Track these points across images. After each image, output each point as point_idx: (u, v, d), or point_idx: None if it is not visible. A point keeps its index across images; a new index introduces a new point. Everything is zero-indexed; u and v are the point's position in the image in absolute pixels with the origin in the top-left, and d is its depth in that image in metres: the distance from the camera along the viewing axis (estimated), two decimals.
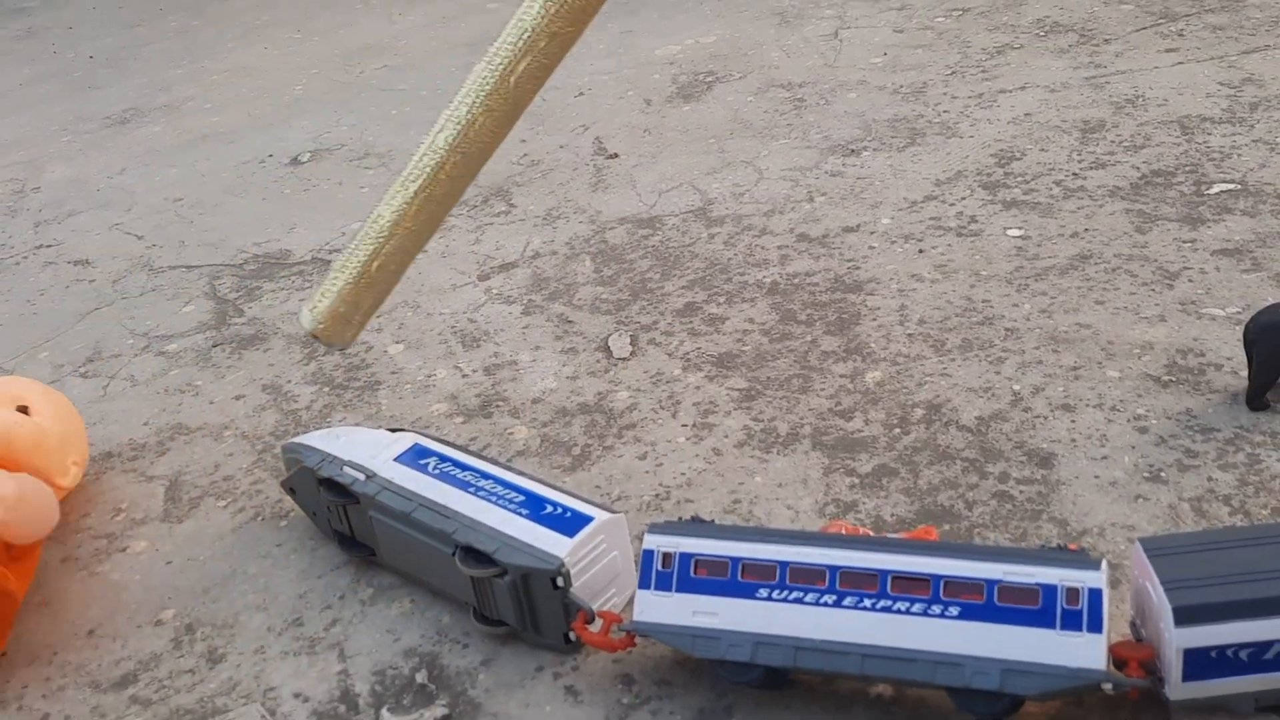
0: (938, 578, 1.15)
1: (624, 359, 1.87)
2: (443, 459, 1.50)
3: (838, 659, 1.15)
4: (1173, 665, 1.09)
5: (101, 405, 1.99)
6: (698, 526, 1.27)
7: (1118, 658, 1.13)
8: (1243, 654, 1.09)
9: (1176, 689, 1.10)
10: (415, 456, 1.51)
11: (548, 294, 2.10)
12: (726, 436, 1.65)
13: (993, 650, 1.11)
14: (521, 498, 1.40)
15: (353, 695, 1.34)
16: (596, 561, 1.34)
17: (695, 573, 1.24)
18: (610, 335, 1.94)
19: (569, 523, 1.34)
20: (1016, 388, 1.64)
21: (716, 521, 1.35)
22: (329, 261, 2.35)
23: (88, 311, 2.32)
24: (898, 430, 1.59)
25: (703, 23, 3.30)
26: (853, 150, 2.41)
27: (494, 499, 1.40)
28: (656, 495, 1.56)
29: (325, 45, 3.70)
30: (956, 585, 1.14)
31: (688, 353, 1.86)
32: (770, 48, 3.03)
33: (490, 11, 3.75)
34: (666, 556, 1.25)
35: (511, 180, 2.57)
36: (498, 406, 1.81)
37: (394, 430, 1.58)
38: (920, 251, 2.01)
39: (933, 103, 2.55)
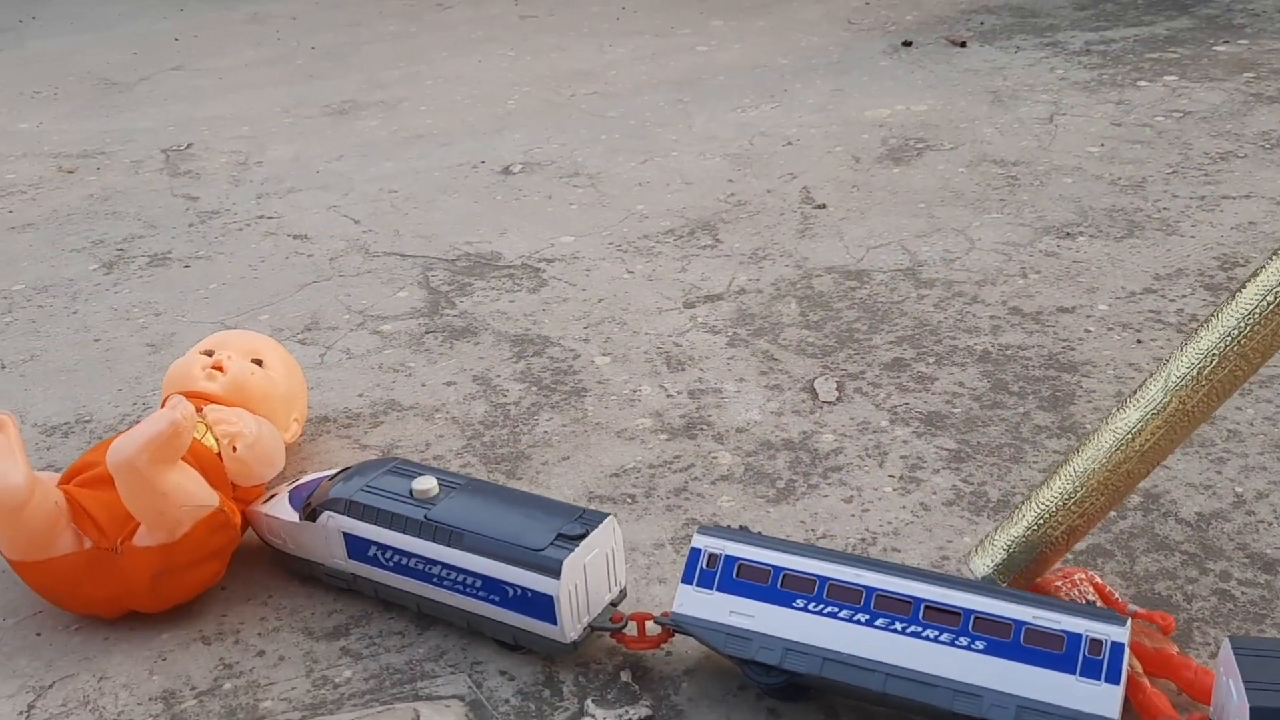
0: (969, 612, 1.19)
1: (830, 403, 1.89)
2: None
3: (862, 674, 1.20)
4: None
5: (318, 372, 2.07)
6: (746, 535, 1.33)
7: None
8: None
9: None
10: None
11: (753, 330, 2.13)
12: (935, 493, 1.65)
13: (1012, 687, 1.14)
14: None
15: (557, 682, 1.37)
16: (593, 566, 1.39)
17: (738, 575, 1.29)
18: (816, 378, 1.96)
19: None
20: (1239, 490, 1.61)
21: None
22: (539, 269, 2.41)
23: (306, 283, 2.42)
24: (1114, 513, 1.58)
25: (914, 91, 3.32)
26: (1068, 233, 2.40)
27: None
28: (862, 539, 1.57)
29: (537, 66, 3.81)
30: (986, 621, 1.18)
31: (895, 406, 1.87)
32: (983, 124, 3.04)
33: (699, 54, 3.82)
34: (712, 557, 1.31)
35: (718, 217, 2.62)
36: (702, 430, 1.84)
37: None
38: (1139, 342, 1.99)
39: (1152, 198, 2.53)
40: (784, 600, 1.26)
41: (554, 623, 1.35)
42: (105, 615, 1.50)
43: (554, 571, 1.33)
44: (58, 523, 1.43)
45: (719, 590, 1.30)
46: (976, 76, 3.43)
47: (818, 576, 1.25)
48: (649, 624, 1.37)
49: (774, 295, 2.25)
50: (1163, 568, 1.47)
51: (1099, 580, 1.40)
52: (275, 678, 1.40)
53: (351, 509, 1.46)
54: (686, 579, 1.32)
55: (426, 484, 1.45)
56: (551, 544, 1.35)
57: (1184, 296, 2.12)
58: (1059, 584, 1.39)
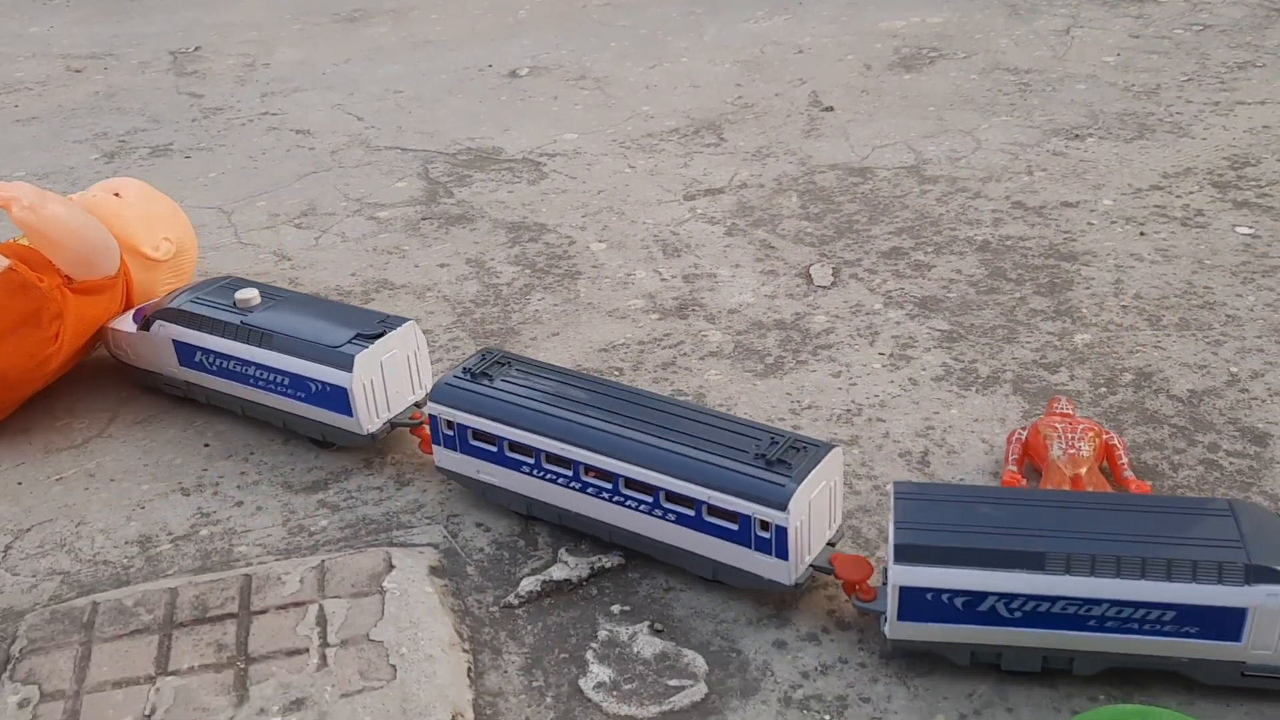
0: (657, 489, 1.24)
1: (825, 287, 1.87)
2: None
3: (592, 525, 1.31)
4: (890, 602, 1.11)
5: (312, 253, 2.06)
6: (478, 398, 1.35)
7: (845, 580, 1.20)
8: (958, 601, 1.09)
9: (894, 627, 1.12)
10: None
11: (751, 221, 2.10)
12: (924, 370, 1.63)
13: (708, 550, 1.24)
14: None
15: (532, 533, 1.36)
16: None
17: (473, 440, 1.36)
18: (812, 264, 1.94)
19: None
20: (1234, 370, 1.58)
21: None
22: (540, 163, 2.39)
23: (305, 174, 2.40)
24: (1104, 389, 1.56)
25: (930, 4, 3.27)
26: (1077, 135, 2.36)
27: None
28: (847, 410, 1.55)
29: None
30: (674, 496, 1.24)
31: (890, 291, 1.84)
32: (998, 35, 2.99)
33: None
34: (449, 423, 1.37)
35: (724, 117, 2.58)
36: (694, 311, 1.83)
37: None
38: (1141, 234, 1.96)
39: (1165, 104, 2.48)
40: (513, 465, 1.34)
41: (350, 415, 1.44)
42: None
43: (347, 365, 1.43)
44: None
45: (462, 453, 1.38)
46: None
47: (536, 449, 1.31)
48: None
49: (775, 190, 2.22)
50: (1150, 439, 1.45)
51: (1113, 441, 1.38)
52: (252, 525, 1.40)
53: (179, 317, 1.57)
54: (435, 441, 1.39)
55: (248, 294, 1.56)
56: (348, 341, 1.45)
57: (1191, 194, 2.08)
58: (1057, 424, 1.38)
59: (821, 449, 1.23)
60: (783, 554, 1.19)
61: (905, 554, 1.10)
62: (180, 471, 1.50)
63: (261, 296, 1.57)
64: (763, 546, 1.20)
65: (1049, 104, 2.53)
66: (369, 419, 1.47)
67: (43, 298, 1.55)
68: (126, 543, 1.38)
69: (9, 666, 1.17)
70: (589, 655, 1.19)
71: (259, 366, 1.51)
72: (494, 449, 1.35)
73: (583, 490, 1.30)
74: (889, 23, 3.15)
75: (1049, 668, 1.12)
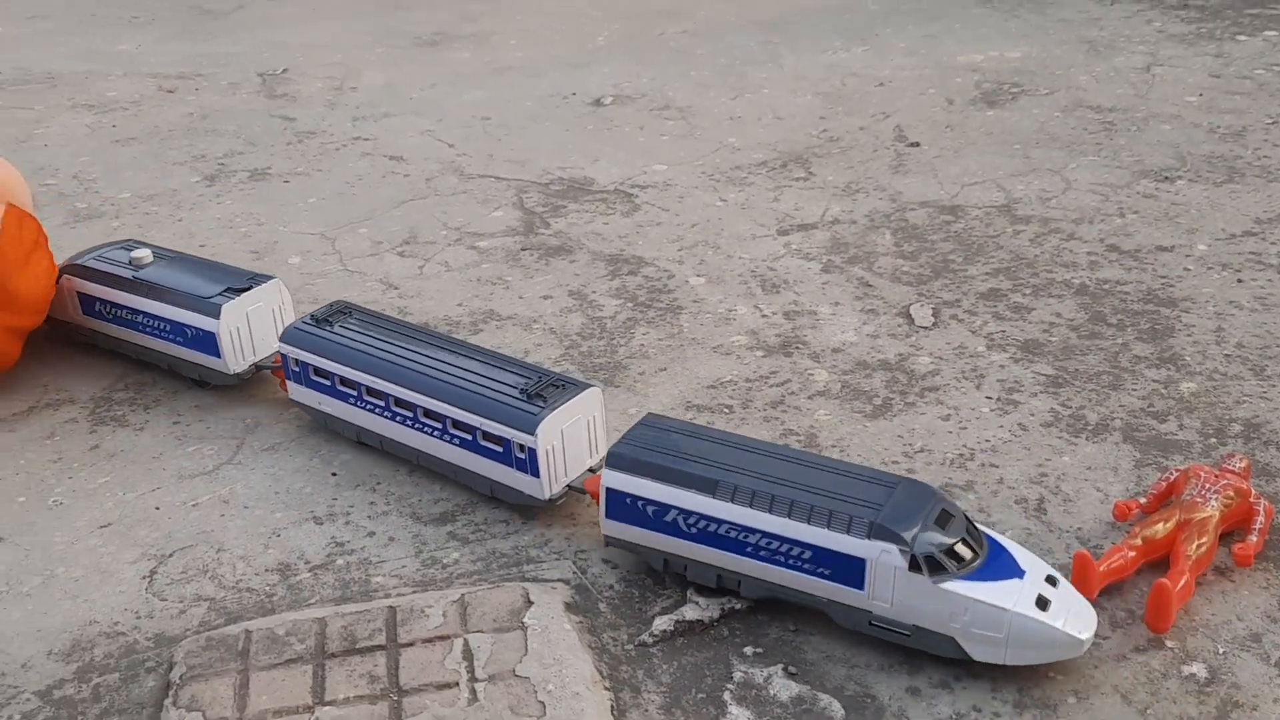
0: (445, 417, 1.49)
1: (926, 328, 1.90)
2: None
3: (402, 449, 1.56)
4: (601, 502, 1.35)
5: (417, 282, 2.11)
6: (319, 341, 1.61)
7: (593, 494, 1.42)
8: (648, 509, 1.32)
9: (604, 524, 1.36)
10: None
11: (847, 258, 2.14)
12: (1033, 415, 1.66)
13: (484, 470, 1.48)
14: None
15: (659, 572, 1.40)
16: None
17: (313, 376, 1.62)
18: (912, 304, 1.97)
19: None
20: None
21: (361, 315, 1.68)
22: (632, 194, 2.43)
23: (403, 200, 2.45)
24: (1214, 439, 1.58)
25: (1007, 38, 3.29)
26: (1167, 177, 2.38)
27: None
28: (960, 455, 1.58)
29: (627, 4, 3.81)
30: (458, 424, 1.48)
31: (992, 333, 1.87)
32: (1079, 71, 3.01)
33: None
34: (296, 360, 1.63)
35: (810, 151, 2.62)
36: (798, 348, 1.86)
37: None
38: (1239, 281, 1.98)
39: (1252, 146, 2.50)
40: (344, 398, 1.60)
41: (219, 357, 1.72)
42: None
43: (216, 314, 1.71)
44: None
45: (306, 387, 1.64)
46: (1071, 26, 3.39)
47: (358, 383, 1.57)
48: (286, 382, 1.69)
49: (868, 226, 2.25)
50: (1264, 492, 1.47)
51: (1258, 508, 1.38)
52: (386, 556, 1.44)
53: (80, 271, 1.83)
54: (289, 378, 1.66)
55: (142, 254, 1.83)
56: (218, 294, 1.73)
57: None
58: (1204, 473, 1.40)
59: (578, 387, 1.47)
60: (535, 472, 1.44)
61: (613, 461, 1.34)
62: (311, 500, 1.55)
63: (154, 255, 1.85)
64: (521, 466, 1.45)
65: (1135, 144, 2.55)
66: (235, 361, 1.75)
67: (39, 227, 1.74)
68: (267, 570, 1.42)
69: (171, 692, 1.21)
70: (726, 696, 1.22)
71: (147, 315, 1.78)
72: (329, 384, 1.62)
73: (393, 419, 1.56)
74: (967, 56, 3.18)
75: (723, 586, 1.33)
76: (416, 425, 1.53)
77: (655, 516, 1.32)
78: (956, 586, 1.20)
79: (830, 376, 1.78)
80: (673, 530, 1.31)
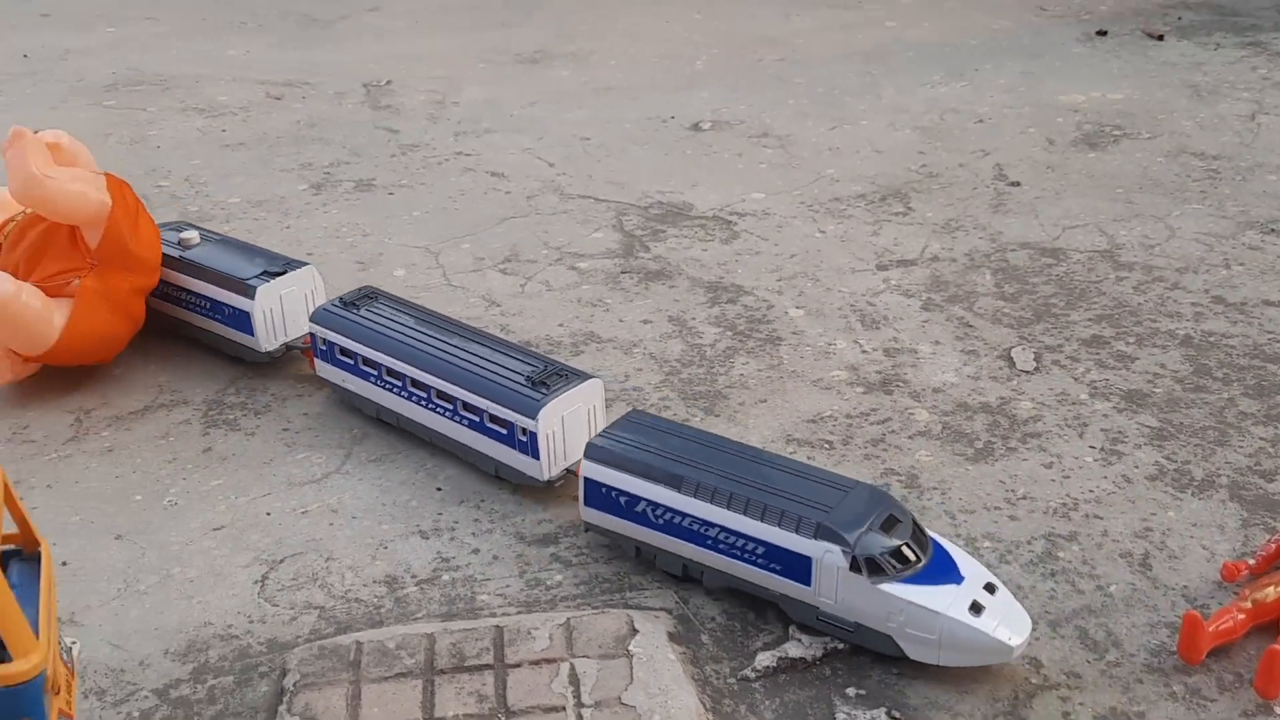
0: (455, 399, 1.59)
1: (1027, 372, 1.89)
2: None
3: (419, 429, 1.67)
4: (580, 490, 1.45)
5: (519, 300, 2.14)
6: (345, 323, 1.73)
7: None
8: (620, 499, 1.41)
9: (583, 511, 1.46)
10: None
11: (947, 296, 2.14)
12: (1137, 467, 1.65)
13: (490, 450, 1.59)
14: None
15: (762, 606, 1.41)
16: None
17: (339, 355, 1.73)
18: (1013, 347, 1.96)
19: None
20: None
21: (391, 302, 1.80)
22: (731, 222, 2.45)
23: (505, 218, 2.49)
24: None
25: (1109, 79, 3.26)
26: (1273, 229, 2.35)
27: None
28: (1063, 504, 1.58)
29: (724, 29, 3.83)
30: (467, 406, 1.59)
31: (1094, 381, 1.86)
32: (1181, 116, 2.98)
33: (887, 29, 3.80)
34: (324, 340, 1.75)
35: (910, 186, 2.62)
36: (898, 386, 1.86)
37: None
38: None
39: None
40: (364, 376, 1.71)
41: (252, 334, 1.84)
42: (117, 344, 1.87)
43: (250, 293, 1.82)
44: (47, 302, 1.74)
45: (332, 365, 1.75)
46: (1174, 70, 3.35)
47: (379, 363, 1.67)
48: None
49: (968, 265, 2.25)
50: None
51: None
52: (490, 575, 1.46)
53: None
54: (317, 356, 1.77)
55: (190, 235, 1.97)
56: (255, 276, 1.84)
57: None
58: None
59: (580, 378, 1.58)
60: (535, 455, 1.54)
61: (591, 453, 1.44)
62: (417, 514, 1.58)
63: (200, 237, 1.97)
64: (522, 448, 1.55)
65: (1241, 194, 2.52)
66: (267, 339, 1.86)
67: (134, 192, 1.85)
68: (374, 582, 1.45)
69: (285, 699, 1.24)
70: None
71: (192, 294, 1.91)
72: (352, 363, 1.72)
73: (409, 399, 1.66)
74: (1068, 96, 3.16)
75: (688, 575, 1.42)
76: (430, 405, 1.64)
77: (627, 507, 1.42)
78: (894, 588, 1.28)
79: (931, 417, 1.78)
80: (643, 520, 1.41)
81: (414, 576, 1.46)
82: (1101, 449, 1.69)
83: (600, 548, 1.50)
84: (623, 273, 2.24)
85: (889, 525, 1.31)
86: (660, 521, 1.40)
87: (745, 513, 1.34)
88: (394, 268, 2.27)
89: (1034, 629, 1.32)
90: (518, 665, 1.27)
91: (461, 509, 1.59)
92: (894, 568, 1.28)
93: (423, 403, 1.65)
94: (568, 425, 1.56)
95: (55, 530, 1.53)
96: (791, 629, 1.36)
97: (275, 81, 3.37)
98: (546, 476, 1.56)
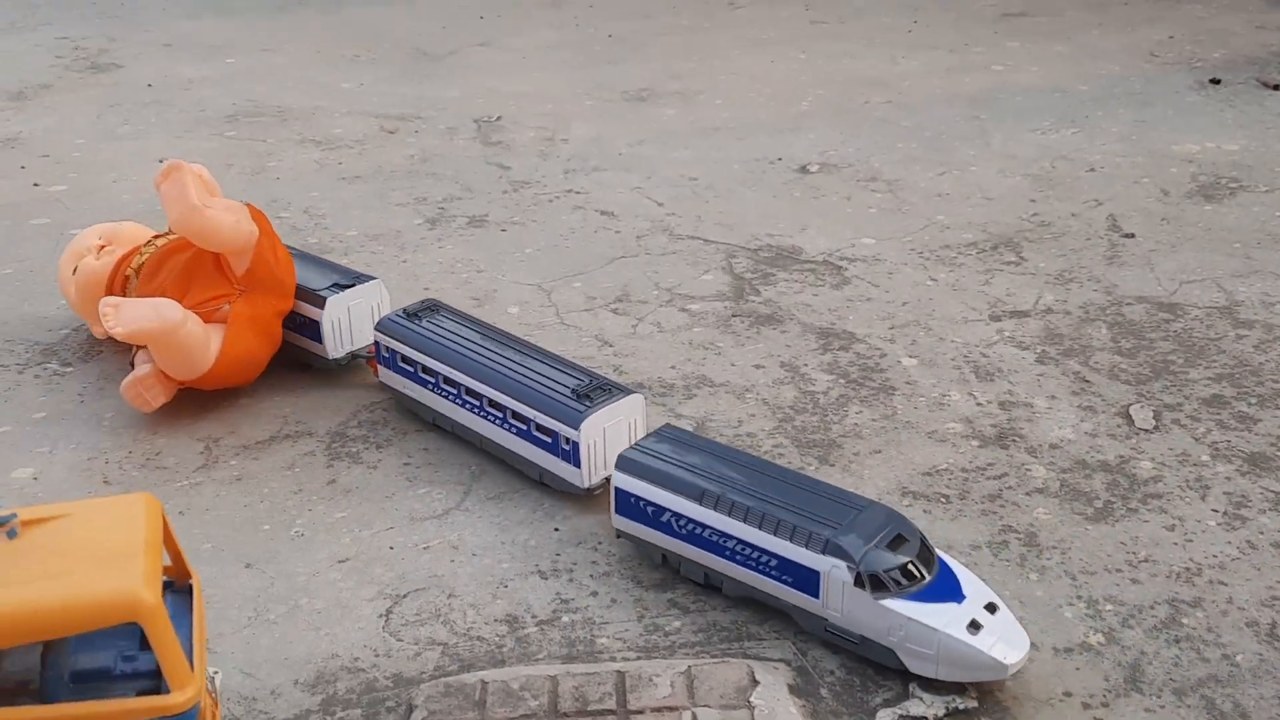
0: (505, 408, 1.70)
1: (1146, 430, 1.87)
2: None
3: (471, 434, 1.78)
4: (611, 499, 1.54)
5: (631, 341, 2.16)
6: (407, 332, 1.86)
7: None
8: (648, 509, 1.50)
9: (614, 519, 1.55)
10: None
11: (1062, 350, 2.12)
12: (1262, 534, 1.62)
13: (536, 458, 1.69)
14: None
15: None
16: None
17: (400, 363, 1.86)
18: (1131, 404, 1.94)
19: None
20: None
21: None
22: (841, 267, 2.45)
23: (615, 257, 2.52)
24: None
25: (1224, 130, 3.22)
26: None
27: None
28: (1186, 569, 1.56)
29: (829, 70, 3.84)
30: (515, 414, 1.69)
31: (1216, 442, 1.83)
32: None
33: (995, 73, 3.78)
34: (390, 349, 1.87)
35: (1021, 235, 2.60)
36: (1014, 441, 1.85)
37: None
38: None
39: None
40: (424, 384, 1.83)
41: (320, 342, 1.97)
42: (259, 367, 1.94)
43: (320, 304, 1.95)
44: (204, 328, 1.83)
45: (395, 373, 1.87)
46: None
47: (438, 371, 1.78)
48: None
49: (1083, 318, 2.23)
50: None
51: None
52: (609, 618, 1.48)
53: None
54: (381, 363, 1.90)
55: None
56: (326, 288, 1.97)
57: None
58: None
59: (622, 392, 1.67)
60: (577, 463, 1.63)
61: (621, 464, 1.53)
62: (536, 554, 1.60)
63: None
64: (565, 457, 1.65)
65: None
66: (335, 348, 1.98)
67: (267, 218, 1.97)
68: (496, 620, 1.48)
69: None
70: None
71: None
72: (412, 371, 1.84)
73: (463, 406, 1.77)
74: (1182, 146, 3.12)
75: (710, 583, 1.50)
76: (482, 413, 1.75)
77: (654, 516, 1.50)
78: (895, 604, 1.34)
79: (1048, 474, 1.77)
80: (668, 530, 1.50)
81: (534, 617, 1.48)
82: (1225, 513, 1.66)
83: (717, 596, 1.51)
84: (733, 316, 2.26)
85: (896, 543, 1.38)
86: (684, 532, 1.49)
87: (760, 527, 1.42)
88: (508, 305, 2.31)
89: (1032, 650, 1.38)
90: (640, 712, 1.29)
91: (579, 550, 1.61)
92: (897, 584, 1.35)
93: (475, 410, 1.76)
94: (609, 436, 1.66)
95: (189, 556, 1.57)
96: (912, 686, 1.36)
97: (389, 115, 3.44)
98: (586, 484, 1.65)
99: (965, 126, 3.31)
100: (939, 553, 1.41)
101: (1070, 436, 1.86)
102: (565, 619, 1.48)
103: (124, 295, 1.95)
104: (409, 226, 2.67)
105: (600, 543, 1.62)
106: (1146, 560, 1.58)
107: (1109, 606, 1.50)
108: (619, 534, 1.56)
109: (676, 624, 1.47)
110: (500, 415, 1.72)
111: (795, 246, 2.56)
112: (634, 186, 2.91)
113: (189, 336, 1.78)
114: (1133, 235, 2.59)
